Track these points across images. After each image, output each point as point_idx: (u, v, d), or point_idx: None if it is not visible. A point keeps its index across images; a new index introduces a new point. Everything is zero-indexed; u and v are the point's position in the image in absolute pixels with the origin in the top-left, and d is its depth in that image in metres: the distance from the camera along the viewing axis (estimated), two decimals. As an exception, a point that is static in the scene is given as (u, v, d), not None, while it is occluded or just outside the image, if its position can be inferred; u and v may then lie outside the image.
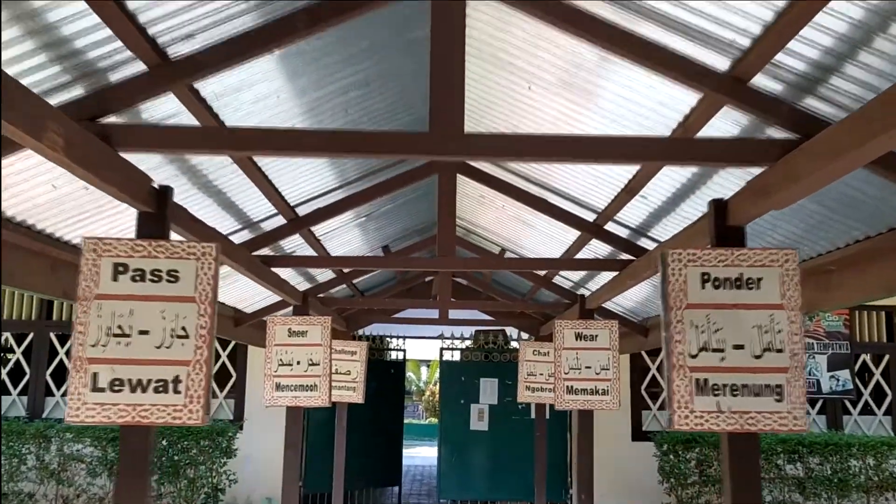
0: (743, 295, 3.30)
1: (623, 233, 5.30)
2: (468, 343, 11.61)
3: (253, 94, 3.51)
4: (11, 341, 10.91)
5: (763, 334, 3.28)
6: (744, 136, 3.34)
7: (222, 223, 4.94)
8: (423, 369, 27.83)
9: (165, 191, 3.34)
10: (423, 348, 24.34)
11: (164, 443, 9.80)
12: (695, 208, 4.41)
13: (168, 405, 3.24)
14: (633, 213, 4.93)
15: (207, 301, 3.33)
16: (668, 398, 3.26)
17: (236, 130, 3.00)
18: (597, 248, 5.82)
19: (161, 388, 3.24)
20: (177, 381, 3.24)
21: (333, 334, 9.67)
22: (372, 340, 11.90)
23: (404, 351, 12.35)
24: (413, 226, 7.32)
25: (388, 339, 12.17)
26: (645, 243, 5.24)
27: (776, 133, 3.16)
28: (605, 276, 6.55)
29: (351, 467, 11.21)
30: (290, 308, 6.70)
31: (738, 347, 3.27)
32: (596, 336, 6.34)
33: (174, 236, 3.42)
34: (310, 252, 6.36)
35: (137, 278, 3.32)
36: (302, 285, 7.45)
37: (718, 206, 3.37)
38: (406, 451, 19.81)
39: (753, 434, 3.26)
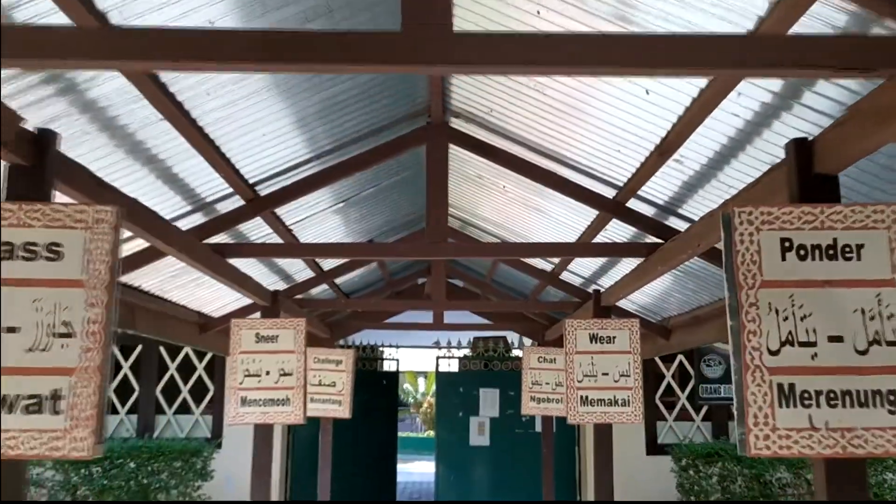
0: (839, 268, 2.40)
1: (648, 211, 4.39)
2: (466, 351, 10.66)
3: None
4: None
5: (868, 321, 2.37)
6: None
7: (164, 203, 4.03)
8: (421, 380, 26.85)
9: (46, 137, 2.43)
10: (419, 359, 23.39)
11: (131, 465, 8.84)
12: (744, 172, 3.51)
13: (44, 431, 2.35)
14: (663, 184, 4.02)
15: (102, 286, 2.43)
16: (739, 411, 2.35)
17: (127, 33, 2.10)
18: (616, 232, 4.91)
19: (34, 408, 2.34)
20: (56, 396, 2.36)
21: (316, 342, 8.77)
22: (362, 350, 10.96)
23: (397, 361, 11.40)
24: (400, 217, 6.41)
25: (380, 348, 11.23)
26: (675, 223, 4.34)
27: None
28: (623, 268, 5.64)
29: (340, 486, 10.26)
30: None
31: (836, 340, 2.37)
32: (614, 338, 5.42)
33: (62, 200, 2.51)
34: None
35: (5, 255, 2.41)
36: (277, 285, 6.53)
37: (801, 147, 2.47)
38: (403, 466, 18.83)
39: (860, 460, 2.37)
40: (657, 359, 9.96)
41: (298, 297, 6.64)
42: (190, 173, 3.88)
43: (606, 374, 5.40)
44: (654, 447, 9.81)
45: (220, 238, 4.51)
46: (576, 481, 10.03)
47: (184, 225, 4.35)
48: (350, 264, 6.69)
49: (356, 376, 10.75)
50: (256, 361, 5.39)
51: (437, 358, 10.43)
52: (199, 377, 9.95)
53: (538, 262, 6.65)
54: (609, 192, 4.41)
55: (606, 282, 6.12)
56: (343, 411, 7.93)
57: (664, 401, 10.06)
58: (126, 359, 9.83)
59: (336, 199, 5.29)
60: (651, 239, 4.42)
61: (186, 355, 9.98)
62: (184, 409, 9.98)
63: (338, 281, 7.61)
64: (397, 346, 11.30)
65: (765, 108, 2.96)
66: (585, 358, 5.41)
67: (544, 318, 8.42)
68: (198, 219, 4.41)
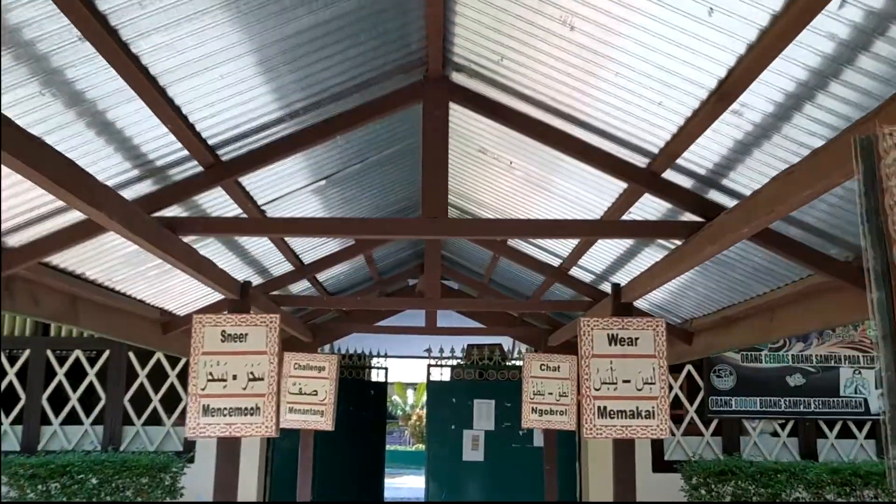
0: None
1: (686, 183, 3.61)
2: (459, 360, 9.82)
3: None
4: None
5: None
6: None
7: (101, 162, 3.22)
8: (410, 392, 25.94)
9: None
10: (408, 370, 22.50)
11: (93, 481, 7.94)
12: (820, 124, 2.75)
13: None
14: (713, 147, 3.24)
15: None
16: (894, 428, 1.56)
17: None
18: (644, 213, 4.11)
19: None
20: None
21: (297, 346, 7.93)
22: (349, 358, 10.11)
23: (386, 369, 10.55)
24: (392, 202, 5.60)
25: (367, 356, 10.37)
26: (718, 198, 3.56)
27: None
28: (643, 261, 4.86)
29: (327, 497, 9.38)
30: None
31: None
32: (636, 339, 4.62)
33: None
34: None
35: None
36: (252, 279, 5.70)
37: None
38: (391, 481, 17.91)
39: None
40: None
41: (275, 292, 5.82)
42: (129, 123, 3.06)
43: (628, 381, 4.60)
44: (660, 463, 8.99)
45: (173, 212, 3.69)
46: (578, 499, 9.18)
47: (129, 195, 3.54)
48: (333, 258, 5.87)
49: (342, 385, 9.92)
50: (221, 364, 4.55)
51: (429, 366, 9.59)
52: (172, 385, 9.05)
53: (544, 257, 5.86)
54: (640, 161, 3.62)
55: (623, 278, 5.33)
56: (326, 423, 7.08)
57: (671, 414, 9.21)
58: (91, 365, 8.94)
59: (316, 176, 4.48)
60: (691, 216, 3.64)
61: (158, 361, 9.09)
62: (154, 419, 9.08)
63: (321, 279, 6.79)
64: (386, 356, 10.45)
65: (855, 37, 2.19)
66: (603, 363, 4.61)
67: (547, 321, 7.62)
68: (147, 188, 3.59)
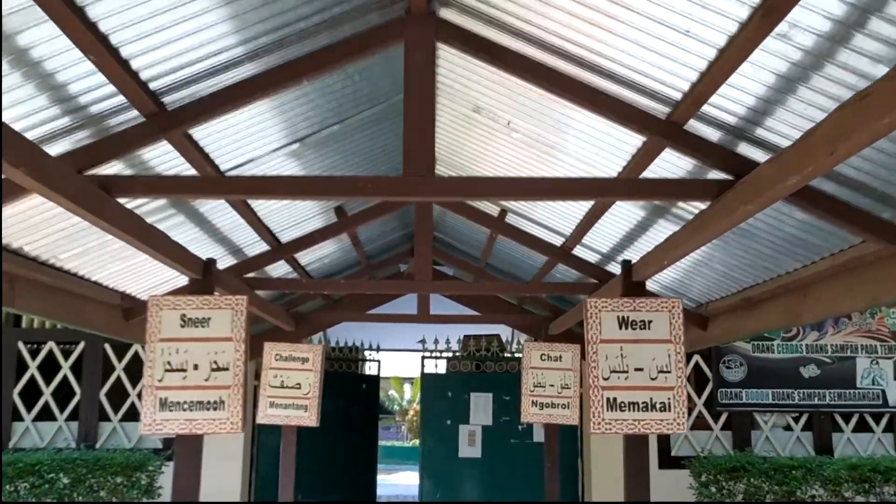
0: None
1: (713, 135, 3.04)
2: (455, 352, 9.23)
3: None
4: None
5: None
6: None
7: (20, 107, 2.65)
8: (407, 387, 25.40)
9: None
10: (405, 364, 21.97)
11: (64, 480, 7.38)
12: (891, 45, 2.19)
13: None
14: (749, 86, 2.68)
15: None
16: None
17: None
18: (663, 171, 3.53)
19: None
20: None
21: (279, 336, 7.36)
22: (339, 350, 9.55)
23: (378, 362, 9.98)
24: (376, 173, 5.03)
25: (359, 349, 9.79)
26: (750, 152, 3.00)
27: None
28: (656, 235, 4.30)
29: (315, 497, 8.84)
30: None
31: None
32: (650, 322, 4.05)
33: None
34: (215, 201, 4.07)
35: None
36: (223, 261, 5.13)
37: None
38: (386, 477, 17.35)
39: None
40: (670, 359, 8.59)
41: (250, 275, 5.26)
42: (46, 55, 2.49)
43: (640, 369, 4.03)
44: (667, 459, 8.43)
45: (110, 169, 3.12)
46: (579, 499, 8.63)
47: (59, 149, 2.97)
48: (314, 236, 5.30)
49: (331, 379, 9.36)
50: (181, 352, 3.98)
51: (423, 357, 9.01)
52: (150, 379, 8.47)
53: (545, 235, 5.29)
54: (660, 111, 3.06)
55: (632, 256, 4.76)
56: (309, 418, 6.51)
57: (678, 407, 8.68)
58: (66, 358, 8.37)
59: (289, 138, 3.91)
60: (720, 174, 3.07)
61: (136, 354, 8.52)
62: (132, 415, 8.51)
63: (305, 263, 6.22)
64: (378, 349, 9.88)
65: None
66: (613, 349, 4.04)
67: (547, 308, 7.05)
68: (80, 141, 3.02)
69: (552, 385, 6.52)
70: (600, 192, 3.21)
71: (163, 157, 3.34)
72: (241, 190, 3.12)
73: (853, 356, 8.46)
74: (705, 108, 2.90)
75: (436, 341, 9.03)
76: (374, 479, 9.77)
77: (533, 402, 6.51)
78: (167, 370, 3.95)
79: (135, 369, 8.81)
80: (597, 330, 4.05)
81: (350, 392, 9.50)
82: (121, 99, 2.85)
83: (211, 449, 8.08)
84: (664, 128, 3.01)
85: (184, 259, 3.83)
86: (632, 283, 4.11)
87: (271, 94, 3.12)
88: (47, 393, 8.25)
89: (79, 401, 8.29)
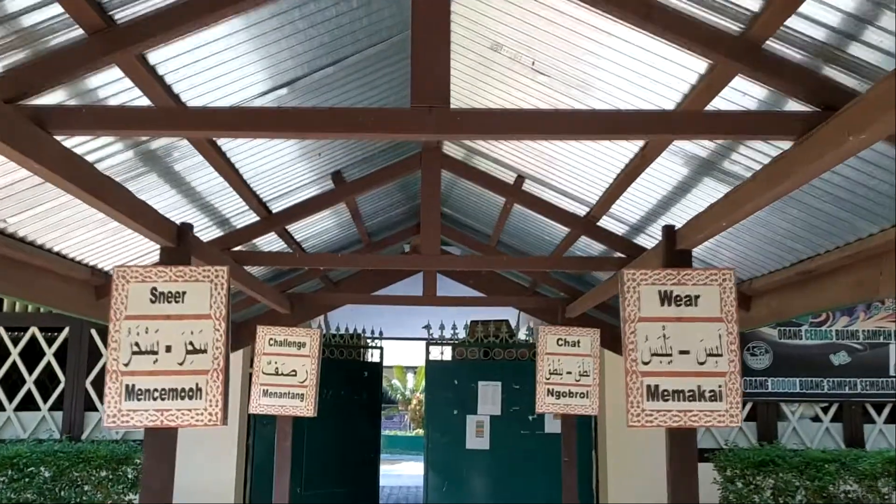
0: None
1: (795, 55, 2.41)
2: (462, 338, 8.61)
3: None
4: None
5: None
6: None
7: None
8: (410, 376, 24.80)
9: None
10: (408, 353, 21.38)
11: (45, 474, 6.78)
12: None
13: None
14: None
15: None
16: None
17: None
18: (733, 101, 2.87)
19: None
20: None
21: (273, 320, 6.76)
22: (340, 337, 8.93)
23: (381, 349, 9.36)
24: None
25: (360, 336, 9.17)
26: (841, 79, 2.38)
27: None
28: (704, 195, 3.67)
29: (312, 493, 8.25)
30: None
31: None
32: (697, 298, 3.43)
33: None
34: (190, 159, 3.44)
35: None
36: (206, 233, 4.51)
37: None
38: (390, 468, 16.78)
39: None
40: (691, 346, 7.97)
41: (238, 248, 4.64)
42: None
43: (686, 352, 3.41)
44: (687, 452, 7.82)
45: (50, 99, 2.49)
46: (592, 494, 8.02)
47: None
48: (308, 206, 4.67)
49: (332, 367, 8.77)
50: (151, 331, 3.36)
51: (427, 343, 8.39)
52: (139, 366, 7.87)
53: (566, 204, 4.66)
54: (732, 27, 2.42)
55: (672, 216, 4.13)
56: (306, 408, 5.91)
57: (700, 396, 8.07)
58: (49, 344, 7.76)
59: (273, 82, 3.27)
60: (803, 105, 2.44)
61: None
62: (119, 404, 7.93)
63: (299, 238, 5.59)
64: (381, 336, 9.26)
65: None
66: (654, 328, 3.42)
67: (564, 290, 6.41)
68: (10, 62, 2.39)
69: (569, 372, 5.92)
70: (655, 126, 2.54)
71: (110, 81, 2.68)
72: (212, 124, 2.47)
73: (886, 342, 7.82)
74: (793, 19, 2.26)
75: (441, 327, 8.41)
76: (376, 470, 9.18)
77: (549, 390, 5.91)
78: (135, 352, 3.34)
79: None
80: (634, 307, 3.43)
81: (352, 380, 8.90)
82: (59, 10, 2.22)
83: (201, 441, 7.55)
84: (736, 47, 2.37)
85: (151, 222, 3.20)
86: (676, 253, 3.48)
87: (246, 9, 2.49)
88: (30, 381, 7.65)
89: (63, 389, 7.69)
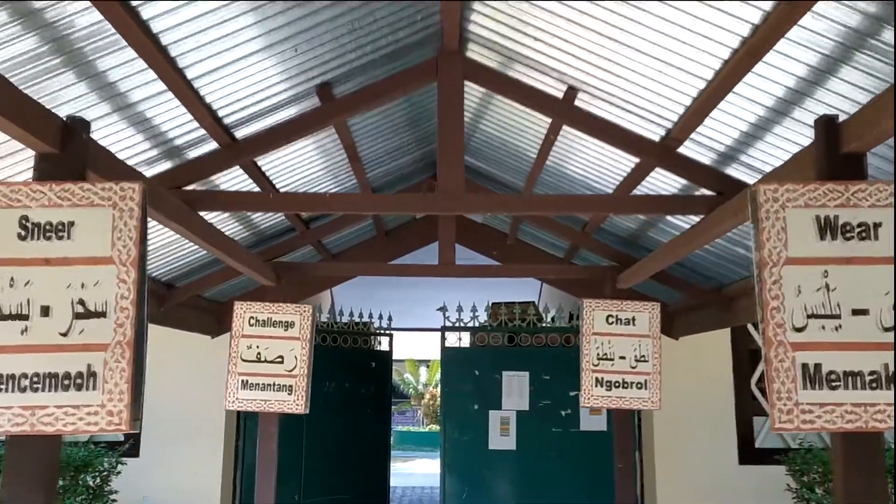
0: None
1: None
2: (483, 322, 7.29)
3: None
4: None
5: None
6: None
7: None
8: (423, 370, 23.53)
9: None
10: (421, 346, 20.08)
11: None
12: None
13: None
14: None
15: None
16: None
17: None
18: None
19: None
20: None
21: (259, 295, 5.50)
22: (344, 324, 7.65)
23: (390, 336, 8.06)
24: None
25: (368, 323, 7.87)
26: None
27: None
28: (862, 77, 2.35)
29: (315, 498, 6.99)
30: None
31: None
32: (877, 227, 2.13)
33: None
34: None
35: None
36: (149, 169, 3.23)
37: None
38: (403, 465, 15.46)
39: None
40: (750, 325, 6.66)
41: (193, 187, 3.34)
42: None
43: (863, 312, 2.10)
44: (749, 453, 6.48)
45: None
46: (637, 499, 6.68)
47: None
48: (285, 131, 3.36)
49: (335, 356, 7.49)
50: (20, 284, 2.09)
51: (443, 328, 7.09)
52: (109, 356, 6.63)
53: (637, 126, 3.34)
54: None
55: (764, 159, 2.81)
56: (296, 403, 4.62)
57: (763, 387, 6.73)
58: None
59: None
60: None
61: (92, 325, 6.69)
62: (87, 400, 6.69)
63: (280, 185, 4.28)
64: (390, 319, 7.95)
65: None
66: (811, 274, 2.11)
67: (611, 256, 5.07)
68: None
69: (623, 357, 4.60)
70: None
71: None
72: None
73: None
74: None
75: (459, 309, 7.10)
76: (386, 473, 7.88)
77: (598, 380, 4.59)
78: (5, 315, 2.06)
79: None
80: (778, 242, 2.11)
81: (358, 371, 7.61)
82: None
83: (176, 442, 6.30)
84: None
85: (29, 118, 1.91)
86: (839, 158, 2.15)
87: None
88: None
89: (22, 383, 6.44)
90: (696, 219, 3.79)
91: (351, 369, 7.52)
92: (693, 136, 3.19)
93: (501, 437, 6.86)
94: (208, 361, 6.23)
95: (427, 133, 4.51)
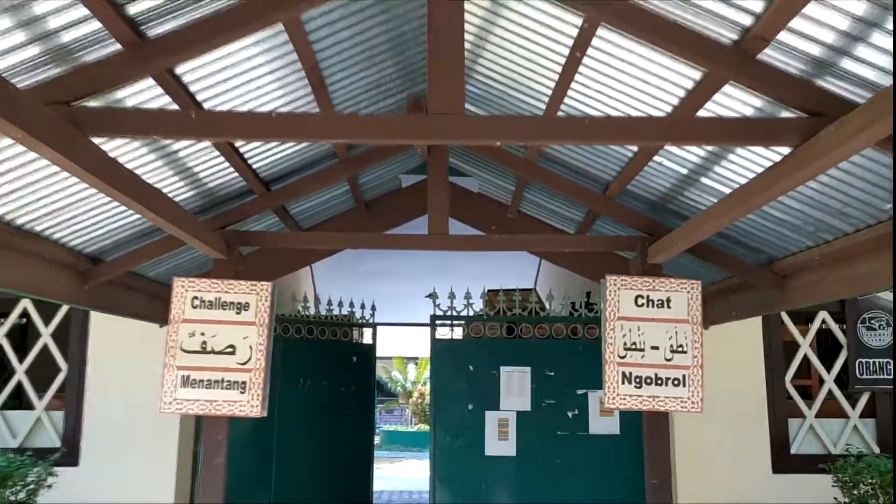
0: None
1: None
2: (479, 311, 6.33)
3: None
4: None
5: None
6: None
7: None
8: (411, 367, 22.54)
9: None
10: (409, 342, 19.11)
11: None
12: None
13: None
14: None
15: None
16: None
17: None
18: None
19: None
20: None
21: (200, 269, 4.43)
22: (327, 314, 6.68)
23: (374, 327, 7.07)
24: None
25: (350, 314, 6.88)
26: None
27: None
28: None
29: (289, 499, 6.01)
30: None
31: None
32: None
33: None
34: None
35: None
36: (25, 77, 2.25)
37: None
38: (390, 467, 14.45)
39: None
40: (787, 318, 5.73)
41: (84, 103, 2.37)
42: None
43: (656, 347, 1.10)
44: (784, 460, 5.57)
45: None
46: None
47: None
48: (214, 28, 2.41)
49: (310, 350, 6.51)
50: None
51: (433, 317, 6.11)
52: (45, 350, 5.61)
53: (700, 23, 2.40)
54: None
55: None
56: (251, 404, 3.61)
57: (799, 385, 5.82)
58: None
59: None
60: None
61: (24, 313, 5.68)
62: (19, 401, 5.69)
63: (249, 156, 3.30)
64: (374, 308, 6.97)
65: None
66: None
67: (643, 226, 4.07)
68: None
69: (655, 348, 3.64)
70: None
71: None
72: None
73: None
74: None
75: (451, 295, 6.15)
76: (368, 481, 6.90)
77: (625, 375, 3.62)
78: None
79: (20, 337, 6.04)
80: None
81: (337, 367, 6.63)
82: None
83: (127, 445, 5.29)
84: None
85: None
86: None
87: None
88: None
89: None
90: (755, 164, 2.87)
91: (330, 365, 6.54)
92: (780, 37, 2.25)
93: (499, 441, 5.89)
94: (158, 354, 5.24)
95: (416, 66, 3.55)
